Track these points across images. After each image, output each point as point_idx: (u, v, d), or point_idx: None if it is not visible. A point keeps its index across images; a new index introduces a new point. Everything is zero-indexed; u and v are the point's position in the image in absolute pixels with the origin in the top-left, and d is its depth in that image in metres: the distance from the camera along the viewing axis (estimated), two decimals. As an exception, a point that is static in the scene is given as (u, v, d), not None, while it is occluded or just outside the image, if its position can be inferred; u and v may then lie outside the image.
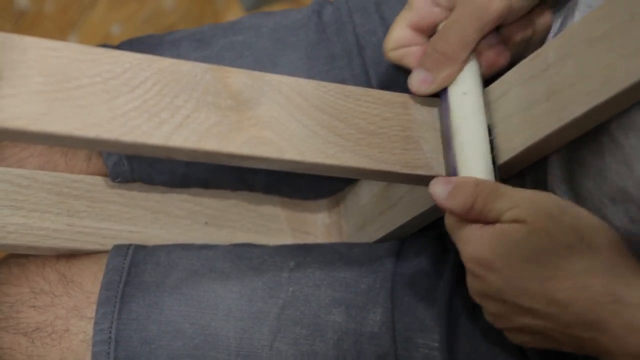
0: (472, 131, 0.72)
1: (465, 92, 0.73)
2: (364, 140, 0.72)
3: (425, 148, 0.74)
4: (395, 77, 0.85)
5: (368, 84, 0.85)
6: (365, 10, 0.87)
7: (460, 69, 0.74)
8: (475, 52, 0.75)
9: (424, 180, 0.72)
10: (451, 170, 0.72)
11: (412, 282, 0.81)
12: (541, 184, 0.76)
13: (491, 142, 0.73)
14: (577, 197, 0.72)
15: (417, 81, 0.75)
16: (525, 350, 0.78)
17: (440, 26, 0.75)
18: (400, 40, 0.77)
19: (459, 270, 0.78)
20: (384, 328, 0.79)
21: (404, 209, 0.82)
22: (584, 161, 0.70)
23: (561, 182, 0.73)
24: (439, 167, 0.73)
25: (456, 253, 0.82)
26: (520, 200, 0.67)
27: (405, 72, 0.77)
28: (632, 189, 0.67)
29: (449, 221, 0.70)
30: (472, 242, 0.67)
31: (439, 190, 0.70)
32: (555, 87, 0.68)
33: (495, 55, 0.76)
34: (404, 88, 0.78)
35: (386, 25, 0.86)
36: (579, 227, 0.66)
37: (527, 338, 0.69)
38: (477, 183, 0.68)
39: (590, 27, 0.66)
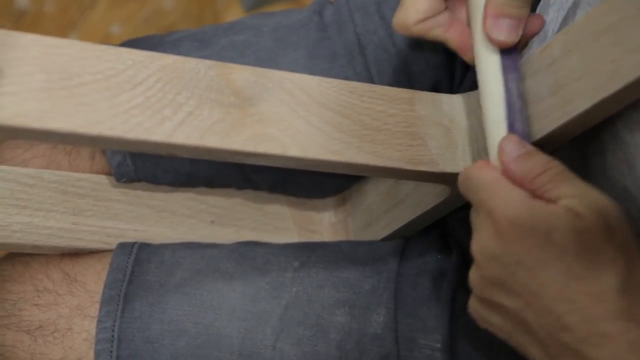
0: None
1: None
2: (368, 136, 0.72)
3: (431, 144, 0.74)
4: (397, 76, 0.85)
5: (370, 82, 0.85)
6: (366, 11, 0.87)
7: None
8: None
9: (429, 177, 0.72)
10: (523, 134, 0.68)
11: (415, 282, 0.81)
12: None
13: None
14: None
15: (508, 29, 0.70)
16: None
17: None
18: (428, 9, 0.73)
19: (462, 270, 0.78)
20: (386, 329, 0.79)
21: (410, 206, 0.82)
22: (585, 159, 0.70)
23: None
24: (444, 163, 0.73)
25: (457, 252, 0.81)
26: (586, 193, 0.63)
27: (406, 70, 0.76)
28: (632, 187, 0.67)
29: (484, 172, 0.66)
30: (514, 203, 0.63)
31: (510, 148, 0.66)
32: (561, 81, 0.68)
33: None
34: (406, 86, 0.78)
35: (387, 25, 0.86)
36: (630, 247, 0.63)
37: (497, 319, 0.66)
38: (550, 159, 0.65)
39: (595, 21, 0.66)
